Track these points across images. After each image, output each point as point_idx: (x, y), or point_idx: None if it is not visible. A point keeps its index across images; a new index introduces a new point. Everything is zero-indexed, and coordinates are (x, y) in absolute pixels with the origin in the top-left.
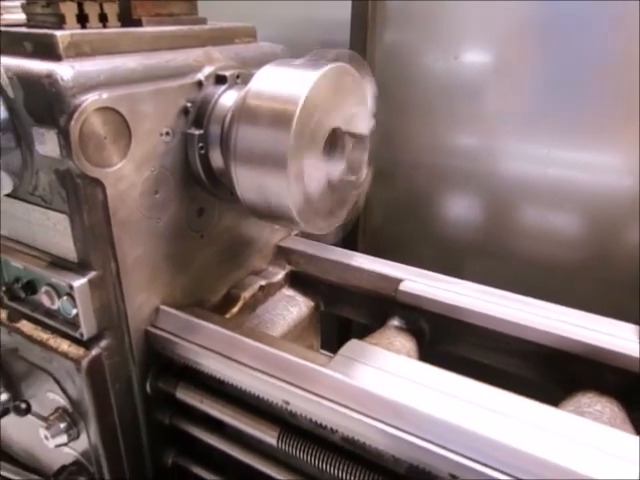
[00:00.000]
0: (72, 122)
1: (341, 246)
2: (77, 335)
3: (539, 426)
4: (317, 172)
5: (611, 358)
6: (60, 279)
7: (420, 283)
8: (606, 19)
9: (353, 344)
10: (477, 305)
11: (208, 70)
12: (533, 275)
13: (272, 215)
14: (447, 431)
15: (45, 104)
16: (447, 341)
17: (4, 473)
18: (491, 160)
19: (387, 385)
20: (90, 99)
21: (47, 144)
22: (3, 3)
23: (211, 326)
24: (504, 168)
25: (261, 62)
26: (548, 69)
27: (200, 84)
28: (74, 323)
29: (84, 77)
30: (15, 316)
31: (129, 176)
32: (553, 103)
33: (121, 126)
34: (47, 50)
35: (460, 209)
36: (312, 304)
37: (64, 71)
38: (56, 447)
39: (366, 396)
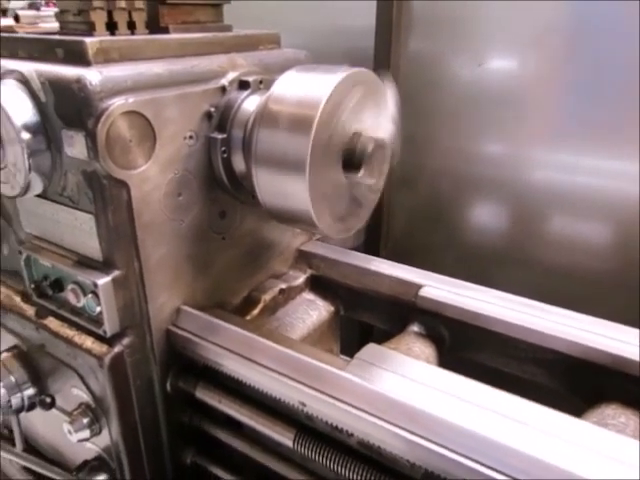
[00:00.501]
0: (99, 125)
1: (363, 252)
2: (101, 332)
3: (557, 435)
4: (337, 176)
5: (637, 369)
6: (85, 277)
7: (441, 289)
8: (636, 23)
9: (371, 348)
10: (499, 312)
11: (232, 76)
12: (559, 284)
13: (292, 219)
14: (463, 437)
15: (74, 108)
16: (467, 348)
17: (29, 465)
18: (517, 167)
19: (404, 390)
20: (117, 103)
21: (75, 146)
22: (39, 13)
23: (231, 327)
24: (530, 176)
25: (284, 68)
26: (576, 75)
27: (224, 89)
28: (98, 320)
29: (112, 82)
30: (43, 313)
31: (153, 178)
32: (582, 110)
33: (146, 129)
34: (77, 56)
35: (485, 217)
36: (332, 308)
37: (92, 76)
38: (79, 442)
39: (382, 400)
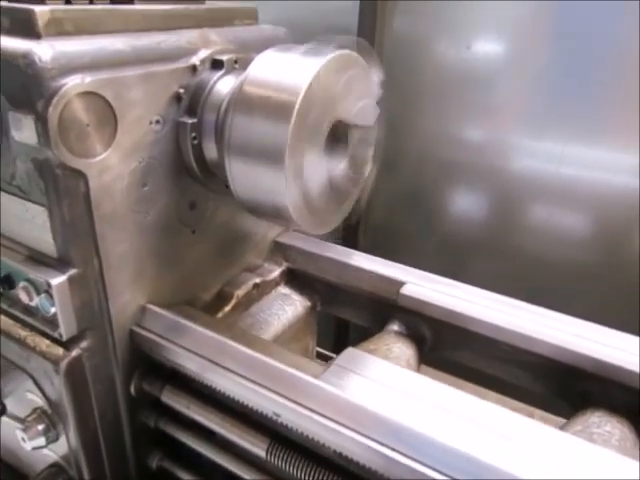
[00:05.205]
0: (51, 107)
1: (342, 241)
2: (56, 335)
3: (541, 450)
4: (318, 168)
5: (624, 376)
6: (38, 276)
7: (423, 287)
8: (628, 10)
9: (350, 353)
10: (483, 313)
11: (203, 54)
12: (540, 276)
13: (268, 213)
14: (445, 454)
15: (22, 87)
16: (449, 349)
17: None
18: (501, 155)
19: (384, 401)
20: (71, 82)
21: (24, 130)
22: None
23: (199, 328)
24: (515, 164)
25: (261, 46)
26: (565, 62)
27: (194, 69)
28: (53, 322)
29: (65, 58)
30: None
31: (114, 167)
32: (569, 98)
33: (106, 113)
34: (25, 27)
35: (467, 205)
36: (309, 304)
37: (42, 51)
38: (33, 450)
39: (361, 412)
